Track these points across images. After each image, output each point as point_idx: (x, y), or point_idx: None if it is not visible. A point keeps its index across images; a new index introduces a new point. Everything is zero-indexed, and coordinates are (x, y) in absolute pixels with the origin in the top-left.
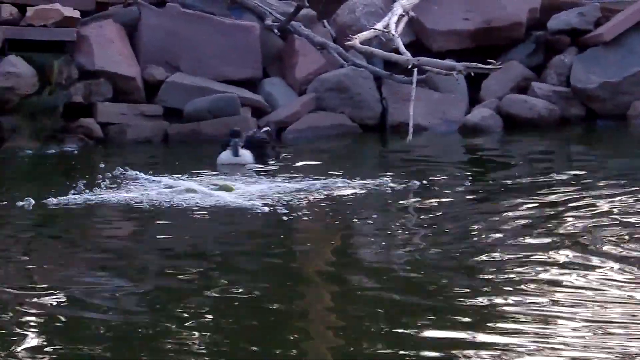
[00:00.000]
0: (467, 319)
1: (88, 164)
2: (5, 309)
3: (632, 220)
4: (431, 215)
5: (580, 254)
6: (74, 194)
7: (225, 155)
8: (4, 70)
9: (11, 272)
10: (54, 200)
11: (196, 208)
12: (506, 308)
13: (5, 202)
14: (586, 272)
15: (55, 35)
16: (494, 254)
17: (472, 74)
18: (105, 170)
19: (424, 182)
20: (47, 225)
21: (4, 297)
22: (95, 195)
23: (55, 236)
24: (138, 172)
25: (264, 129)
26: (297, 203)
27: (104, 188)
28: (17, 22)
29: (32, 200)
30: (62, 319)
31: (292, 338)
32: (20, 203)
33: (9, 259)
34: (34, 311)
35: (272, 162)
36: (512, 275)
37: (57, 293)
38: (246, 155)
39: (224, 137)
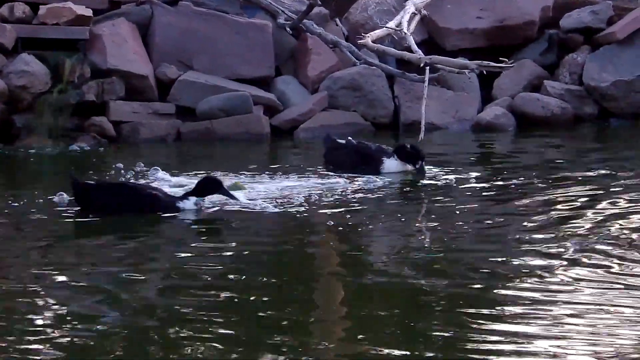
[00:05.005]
0: (479, 319)
1: (100, 162)
2: (23, 304)
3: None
4: (442, 214)
5: (592, 253)
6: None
7: (394, 164)
8: (17, 68)
9: (29, 267)
10: (67, 199)
11: (207, 206)
12: (519, 309)
13: (24, 200)
14: (598, 270)
15: (68, 33)
16: (507, 254)
17: (485, 73)
18: (113, 168)
19: (436, 180)
20: (61, 224)
21: (20, 290)
22: None
23: (70, 235)
24: (147, 167)
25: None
26: (308, 202)
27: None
28: (30, 21)
29: (65, 195)
30: (79, 314)
31: (303, 340)
32: (54, 198)
33: (24, 257)
34: (49, 306)
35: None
36: (524, 276)
37: (72, 290)
38: (408, 165)
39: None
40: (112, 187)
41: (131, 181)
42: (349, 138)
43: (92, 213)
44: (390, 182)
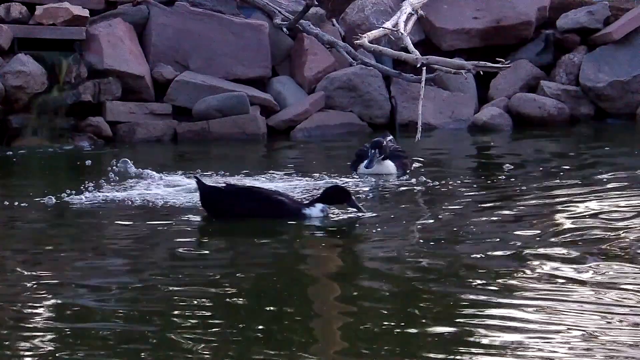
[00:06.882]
0: (475, 321)
1: (97, 163)
2: (13, 308)
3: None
4: (440, 216)
5: (588, 253)
6: (80, 193)
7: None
8: (13, 68)
9: (20, 271)
10: (56, 200)
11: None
12: (516, 311)
13: (15, 201)
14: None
15: (65, 33)
16: (505, 257)
17: (482, 73)
18: (112, 169)
19: (433, 181)
20: (56, 224)
21: (11, 296)
22: (103, 194)
23: (63, 235)
24: (143, 169)
25: (389, 138)
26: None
27: (112, 187)
28: (27, 21)
29: (53, 198)
30: (69, 319)
31: (298, 342)
32: (42, 200)
33: (19, 258)
34: (41, 310)
35: (408, 173)
36: (522, 278)
37: (64, 292)
38: (389, 165)
39: (364, 146)
40: (237, 192)
41: (257, 185)
42: (388, 138)
43: (218, 217)
44: (384, 182)
